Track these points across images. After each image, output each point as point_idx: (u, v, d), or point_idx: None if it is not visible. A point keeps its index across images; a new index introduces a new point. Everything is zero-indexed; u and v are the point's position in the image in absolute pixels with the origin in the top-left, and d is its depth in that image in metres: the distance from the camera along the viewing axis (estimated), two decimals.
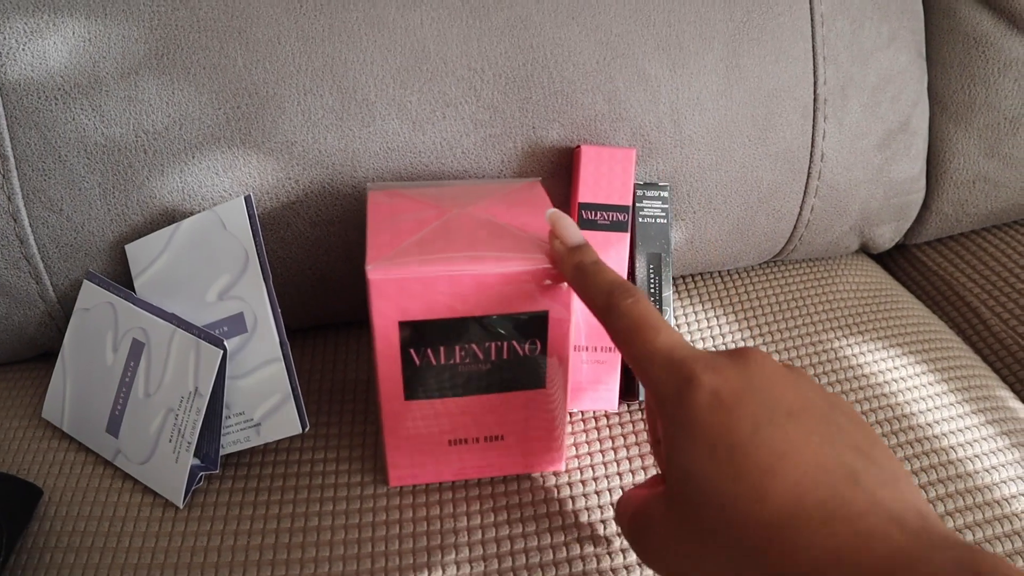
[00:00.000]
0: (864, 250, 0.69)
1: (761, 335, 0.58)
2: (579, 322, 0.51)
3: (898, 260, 0.74)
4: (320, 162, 0.50)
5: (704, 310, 0.60)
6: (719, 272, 0.64)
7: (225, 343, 0.45)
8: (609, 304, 0.36)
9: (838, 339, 0.58)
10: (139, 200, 0.49)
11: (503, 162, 0.52)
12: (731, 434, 0.30)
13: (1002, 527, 0.47)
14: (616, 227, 0.50)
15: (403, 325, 0.41)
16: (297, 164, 0.50)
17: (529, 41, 0.50)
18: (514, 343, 0.42)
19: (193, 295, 0.48)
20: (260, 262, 0.47)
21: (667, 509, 0.33)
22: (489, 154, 0.51)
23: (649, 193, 0.52)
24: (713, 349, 0.56)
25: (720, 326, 0.58)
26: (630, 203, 0.50)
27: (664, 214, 0.52)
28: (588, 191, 0.49)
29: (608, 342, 0.51)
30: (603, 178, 0.49)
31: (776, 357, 0.56)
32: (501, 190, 0.48)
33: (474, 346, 0.42)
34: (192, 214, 0.50)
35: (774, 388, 0.32)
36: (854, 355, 0.57)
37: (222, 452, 0.47)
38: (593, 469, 0.49)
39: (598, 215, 0.50)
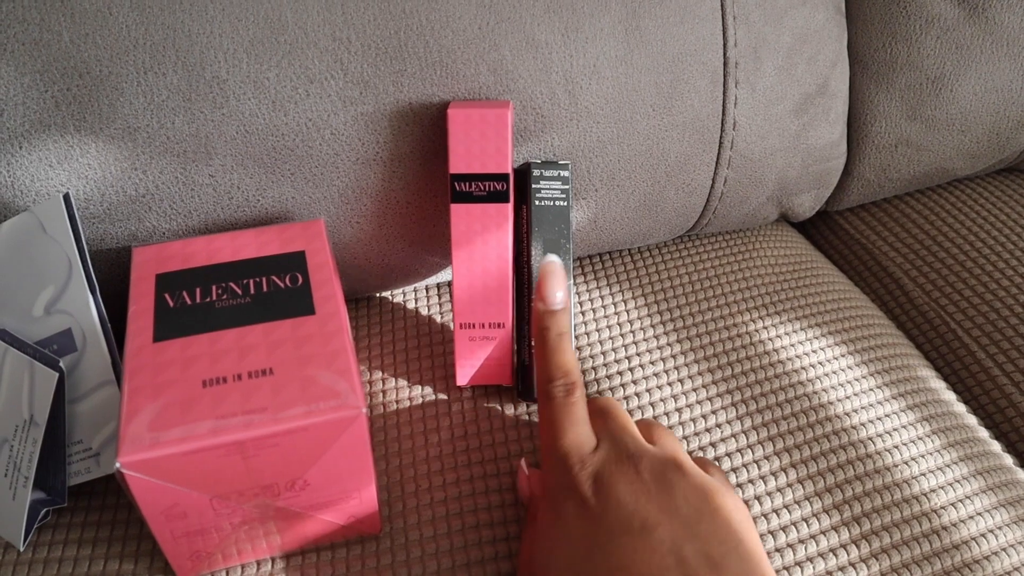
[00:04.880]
0: (785, 219, 0.66)
1: (672, 319, 0.54)
2: (465, 298, 0.46)
3: (820, 228, 0.71)
4: (169, 149, 0.44)
5: (611, 293, 0.56)
6: (628, 250, 0.60)
7: (61, 363, 0.40)
8: (546, 389, 0.41)
9: (753, 320, 0.54)
10: None
11: (379, 143, 0.46)
12: (589, 539, 0.35)
13: (920, 526, 0.44)
14: (495, 198, 0.45)
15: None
16: (143, 152, 0.44)
17: (400, 6, 0.44)
18: (273, 277, 0.42)
19: (20, 309, 0.42)
20: (85, 270, 0.41)
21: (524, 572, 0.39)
22: (363, 135, 0.46)
23: (548, 173, 0.47)
24: (621, 339, 0.52)
25: (628, 311, 0.54)
26: (508, 170, 0.45)
27: (564, 196, 0.47)
28: (459, 160, 0.44)
29: (496, 318, 0.47)
30: (475, 144, 0.44)
31: (687, 344, 0.52)
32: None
33: (232, 284, 0.42)
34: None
35: (638, 500, 0.36)
36: (769, 339, 0.53)
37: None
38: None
39: (473, 186, 0.45)
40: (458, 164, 0.44)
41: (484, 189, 0.45)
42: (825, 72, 0.57)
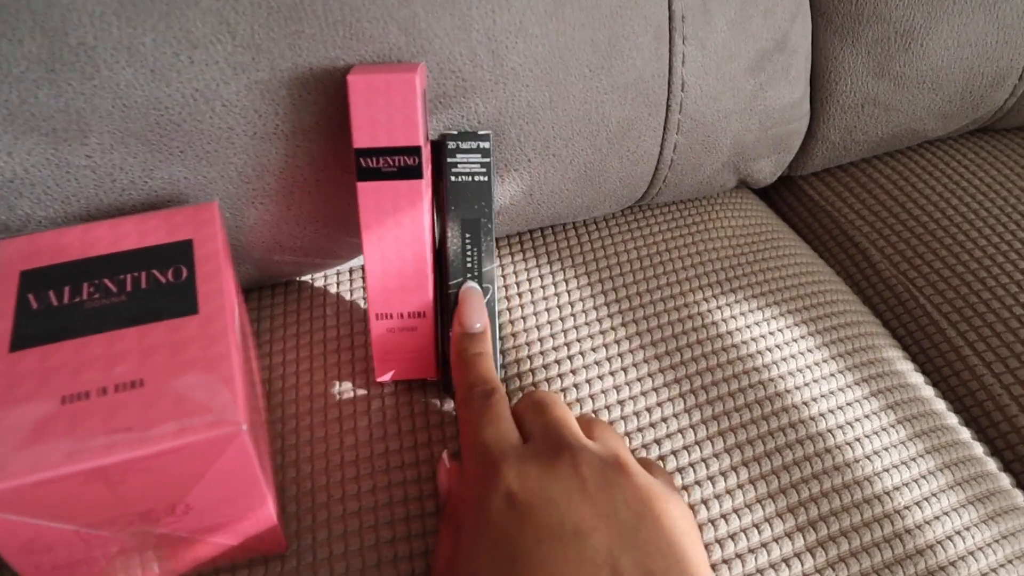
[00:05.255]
0: (745, 185, 0.61)
1: (616, 299, 0.50)
2: (379, 287, 0.42)
3: (783, 194, 0.66)
4: (35, 127, 0.39)
5: (551, 272, 0.51)
6: (572, 224, 0.55)
7: None
8: (464, 397, 0.38)
9: (706, 299, 0.50)
10: None
11: (278, 115, 0.41)
12: (514, 542, 0.32)
13: (882, 529, 0.40)
14: (406, 174, 0.40)
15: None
16: (5, 132, 0.38)
17: None
18: (154, 271, 0.37)
19: None
20: None
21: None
22: (259, 106, 0.41)
23: (465, 145, 0.42)
24: (560, 324, 0.48)
25: (568, 292, 0.50)
26: (419, 142, 0.39)
27: (484, 170, 0.42)
28: (363, 133, 0.39)
29: (416, 307, 0.43)
30: (380, 113, 0.39)
31: (633, 327, 0.48)
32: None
33: (106, 280, 0.37)
34: None
35: (572, 500, 0.32)
36: (723, 319, 0.49)
37: None
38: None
39: (381, 162, 0.40)
40: (362, 137, 0.39)
41: (394, 164, 0.40)
42: (783, 26, 0.52)
